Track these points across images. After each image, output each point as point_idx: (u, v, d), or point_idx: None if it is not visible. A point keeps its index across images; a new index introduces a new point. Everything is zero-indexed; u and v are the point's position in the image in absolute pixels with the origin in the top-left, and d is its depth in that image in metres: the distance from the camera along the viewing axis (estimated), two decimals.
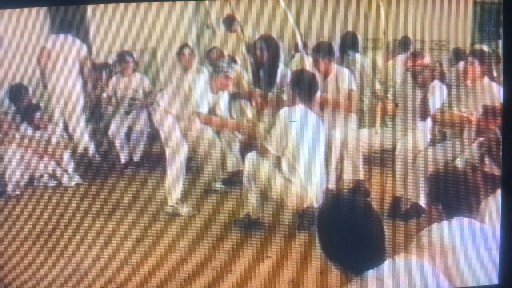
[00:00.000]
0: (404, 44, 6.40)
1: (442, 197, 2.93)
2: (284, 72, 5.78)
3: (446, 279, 2.65)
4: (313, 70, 5.49)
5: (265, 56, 5.72)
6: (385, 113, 5.37)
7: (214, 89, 5.26)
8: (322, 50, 5.47)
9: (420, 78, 5.06)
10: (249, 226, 4.85)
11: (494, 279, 2.77)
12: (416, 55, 5.17)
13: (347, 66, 6.08)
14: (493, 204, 3.19)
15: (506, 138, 3.36)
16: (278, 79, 5.76)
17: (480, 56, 4.96)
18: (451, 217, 2.85)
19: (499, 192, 3.22)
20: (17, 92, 6.14)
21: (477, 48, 6.14)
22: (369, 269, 2.22)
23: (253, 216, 4.83)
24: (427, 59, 5.11)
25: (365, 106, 6.08)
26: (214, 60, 6.20)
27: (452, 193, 2.89)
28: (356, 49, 6.38)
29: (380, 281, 2.22)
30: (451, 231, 2.79)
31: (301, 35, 6.76)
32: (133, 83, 6.49)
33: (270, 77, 5.78)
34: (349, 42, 6.38)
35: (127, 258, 4.43)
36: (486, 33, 7.33)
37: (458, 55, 6.48)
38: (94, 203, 5.39)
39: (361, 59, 6.31)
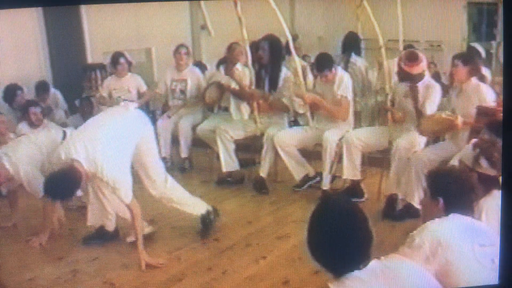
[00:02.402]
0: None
1: (444, 192, 2.95)
2: (287, 75, 5.80)
3: (442, 278, 2.67)
4: (310, 76, 5.52)
5: (267, 57, 5.73)
6: (396, 122, 5.33)
7: None
8: (327, 66, 5.46)
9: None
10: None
11: (490, 275, 2.78)
12: (411, 59, 5.13)
13: (346, 67, 6.10)
14: (488, 205, 3.21)
15: (506, 138, 3.37)
16: (280, 82, 5.77)
17: (463, 58, 5.00)
18: (450, 212, 2.88)
19: (494, 193, 3.24)
20: (11, 92, 6.12)
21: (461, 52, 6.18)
22: (353, 270, 2.24)
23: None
24: (422, 65, 5.11)
25: (359, 106, 6.10)
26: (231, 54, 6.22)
27: (454, 189, 2.92)
28: (357, 51, 6.41)
29: (364, 282, 2.24)
30: (444, 229, 2.81)
31: (296, 36, 6.78)
32: (127, 84, 6.48)
33: (272, 79, 5.78)
34: (351, 43, 6.40)
35: (123, 259, 4.44)
36: (480, 33, 7.36)
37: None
38: None
39: (359, 62, 6.34)
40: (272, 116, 5.85)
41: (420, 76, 5.07)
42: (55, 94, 6.68)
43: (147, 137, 4.59)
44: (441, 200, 2.93)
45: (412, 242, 2.82)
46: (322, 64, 5.49)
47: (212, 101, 6.29)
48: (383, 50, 5.56)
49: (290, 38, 5.58)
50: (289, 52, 5.83)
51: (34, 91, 6.41)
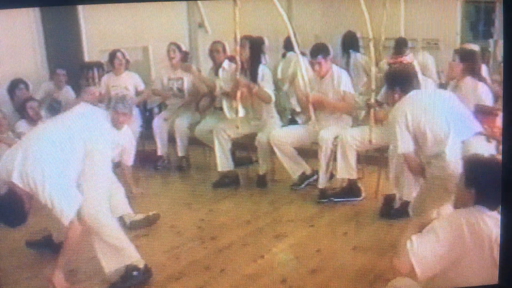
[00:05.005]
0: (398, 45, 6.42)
1: (478, 182, 3.00)
2: (264, 71, 5.80)
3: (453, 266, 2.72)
4: (310, 71, 5.52)
5: (246, 55, 5.72)
6: (377, 121, 5.31)
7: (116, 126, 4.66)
8: (320, 52, 5.47)
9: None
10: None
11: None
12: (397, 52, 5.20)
13: (347, 65, 6.10)
14: None
15: (506, 137, 3.39)
16: (259, 78, 5.77)
17: (461, 54, 5.01)
18: (478, 203, 2.92)
19: None
20: (13, 85, 6.09)
21: (462, 47, 6.20)
22: None
23: None
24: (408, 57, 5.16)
25: (357, 105, 6.10)
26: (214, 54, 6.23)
27: (489, 180, 2.98)
28: (356, 48, 6.41)
29: None
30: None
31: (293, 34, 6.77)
32: (125, 82, 6.48)
33: (251, 75, 5.78)
34: (349, 42, 6.42)
35: None
36: (477, 32, 7.35)
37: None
38: None
39: (359, 58, 6.34)
40: (261, 118, 5.85)
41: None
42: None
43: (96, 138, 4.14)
44: (473, 190, 2.97)
45: (439, 231, 2.86)
46: (316, 49, 5.51)
47: (204, 110, 6.37)
48: (371, 44, 5.52)
49: (292, 34, 5.55)
50: (289, 48, 5.84)
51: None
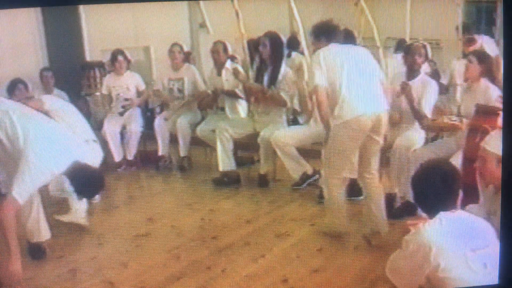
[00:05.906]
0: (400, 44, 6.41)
1: (418, 198, 3.04)
2: (286, 71, 5.79)
3: (434, 282, 2.70)
4: None
5: (268, 53, 5.72)
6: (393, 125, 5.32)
7: None
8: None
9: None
10: None
11: (483, 280, 2.78)
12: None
13: None
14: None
15: (506, 138, 3.37)
16: (280, 78, 5.76)
17: (479, 56, 4.98)
18: (433, 214, 2.88)
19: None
20: (13, 84, 6.10)
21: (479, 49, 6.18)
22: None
23: None
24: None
25: None
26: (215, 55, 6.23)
27: (427, 191, 2.95)
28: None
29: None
30: (436, 234, 2.81)
31: (295, 33, 6.80)
32: (126, 82, 6.49)
33: (272, 75, 5.77)
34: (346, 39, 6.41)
35: (121, 258, 4.43)
36: (478, 32, 7.35)
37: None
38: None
39: None
40: (270, 113, 5.84)
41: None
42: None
43: None
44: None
45: (407, 248, 2.84)
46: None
47: (205, 107, 6.37)
48: (381, 50, 5.53)
49: (302, 34, 5.55)
50: (293, 48, 5.85)
51: None
